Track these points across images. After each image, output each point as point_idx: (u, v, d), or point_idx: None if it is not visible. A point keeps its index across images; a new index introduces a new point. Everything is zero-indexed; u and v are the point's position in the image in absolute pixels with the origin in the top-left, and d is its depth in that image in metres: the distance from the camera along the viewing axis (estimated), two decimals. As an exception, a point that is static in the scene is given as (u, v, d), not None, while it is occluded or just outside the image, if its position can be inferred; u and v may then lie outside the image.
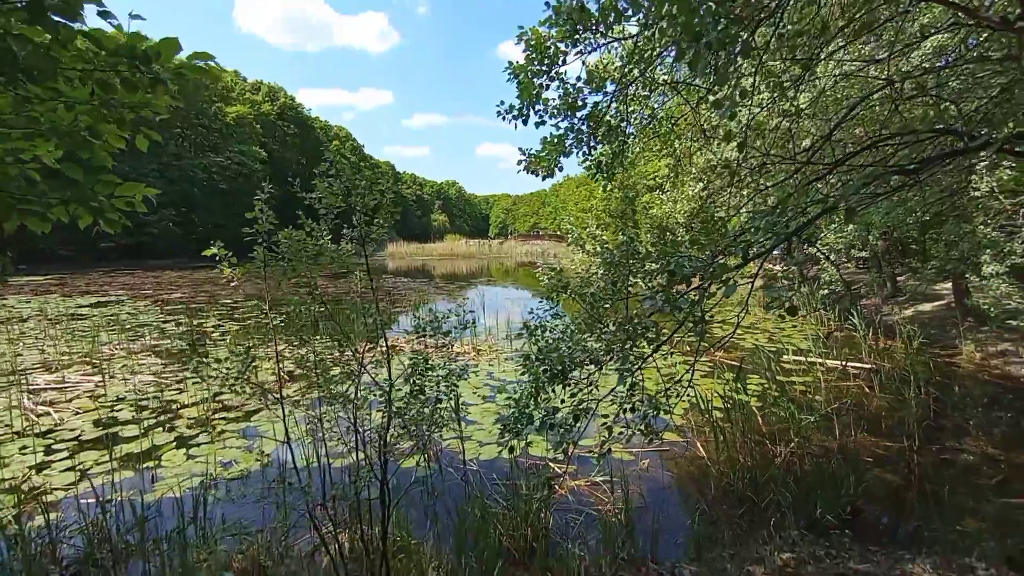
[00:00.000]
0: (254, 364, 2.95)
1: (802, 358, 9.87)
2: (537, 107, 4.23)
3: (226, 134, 49.94)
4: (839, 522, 4.32)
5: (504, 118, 4.26)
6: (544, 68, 4.08)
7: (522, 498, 4.08)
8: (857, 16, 3.99)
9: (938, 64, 4.69)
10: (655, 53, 4.29)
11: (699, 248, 3.22)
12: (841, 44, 3.93)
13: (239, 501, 4.88)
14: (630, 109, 5.11)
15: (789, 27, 3.44)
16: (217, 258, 2.82)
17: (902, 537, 4.26)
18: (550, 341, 3.47)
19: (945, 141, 3.66)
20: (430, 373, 3.00)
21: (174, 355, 10.89)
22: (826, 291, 14.59)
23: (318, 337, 3.11)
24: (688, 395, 6.74)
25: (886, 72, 5.51)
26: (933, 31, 4.46)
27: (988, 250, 10.33)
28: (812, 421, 6.56)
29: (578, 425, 3.13)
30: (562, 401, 3.23)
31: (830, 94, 6.91)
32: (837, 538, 4.18)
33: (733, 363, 9.82)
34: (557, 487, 5.07)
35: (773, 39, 3.70)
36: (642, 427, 3.43)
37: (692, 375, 3.45)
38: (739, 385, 7.23)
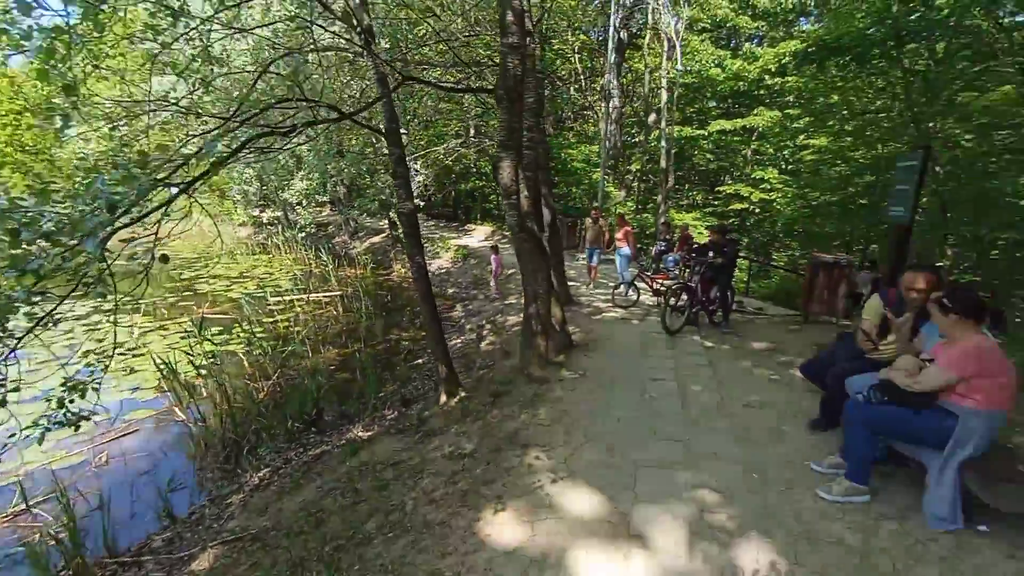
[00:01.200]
0: None
1: (284, 297, 10.81)
2: None
3: None
4: (306, 424, 5.27)
5: None
6: None
7: None
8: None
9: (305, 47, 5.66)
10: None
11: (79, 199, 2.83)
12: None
13: None
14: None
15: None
16: None
17: (347, 415, 5.65)
18: None
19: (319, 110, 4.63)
20: None
21: None
22: (303, 234, 16.30)
23: None
24: (160, 361, 6.12)
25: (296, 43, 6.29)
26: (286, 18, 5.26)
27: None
28: (290, 351, 7.46)
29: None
30: None
31: (256, 56, 7.25)
32: (305, 436, 5.11)
33: (221, 316, 9.59)
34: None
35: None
36: (62, 418, 2.92)
37: (115, 339, 3.17)
38: (209, 338, 7.19)
